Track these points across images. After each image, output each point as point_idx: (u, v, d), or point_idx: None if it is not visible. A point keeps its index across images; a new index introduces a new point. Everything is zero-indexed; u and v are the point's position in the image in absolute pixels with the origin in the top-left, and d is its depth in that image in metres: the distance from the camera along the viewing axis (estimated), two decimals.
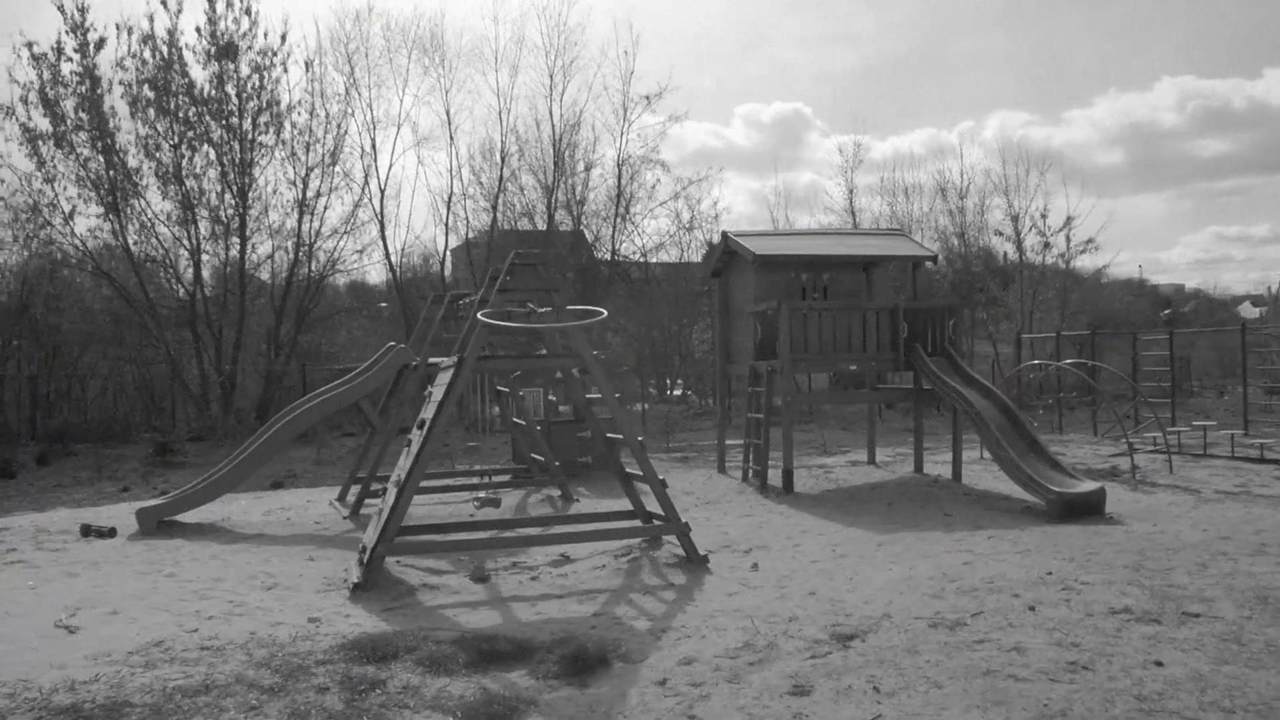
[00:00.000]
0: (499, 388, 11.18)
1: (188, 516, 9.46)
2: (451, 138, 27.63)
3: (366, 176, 26.13)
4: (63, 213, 22.16)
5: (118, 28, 22.10)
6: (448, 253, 29.48)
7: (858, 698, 4.30)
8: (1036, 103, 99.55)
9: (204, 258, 23.56)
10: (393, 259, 27.80)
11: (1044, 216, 28.96)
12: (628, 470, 7.69)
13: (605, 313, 6.92)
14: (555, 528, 8.04)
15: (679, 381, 28.16)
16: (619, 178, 27.92)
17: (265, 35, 23.55)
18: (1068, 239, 29.02)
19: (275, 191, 24.16)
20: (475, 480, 11.49)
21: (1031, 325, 27.60)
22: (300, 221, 24.36)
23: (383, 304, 30.04)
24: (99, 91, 21.79)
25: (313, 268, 25.29)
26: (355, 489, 10.26)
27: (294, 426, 9.76)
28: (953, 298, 12.46)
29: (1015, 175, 30.03)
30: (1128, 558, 6.91)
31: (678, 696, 4.39)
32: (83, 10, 21.71)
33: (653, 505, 7.49)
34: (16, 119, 21.36)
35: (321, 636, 5.31)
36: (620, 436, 7.53)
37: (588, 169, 27.89)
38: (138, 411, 24.51)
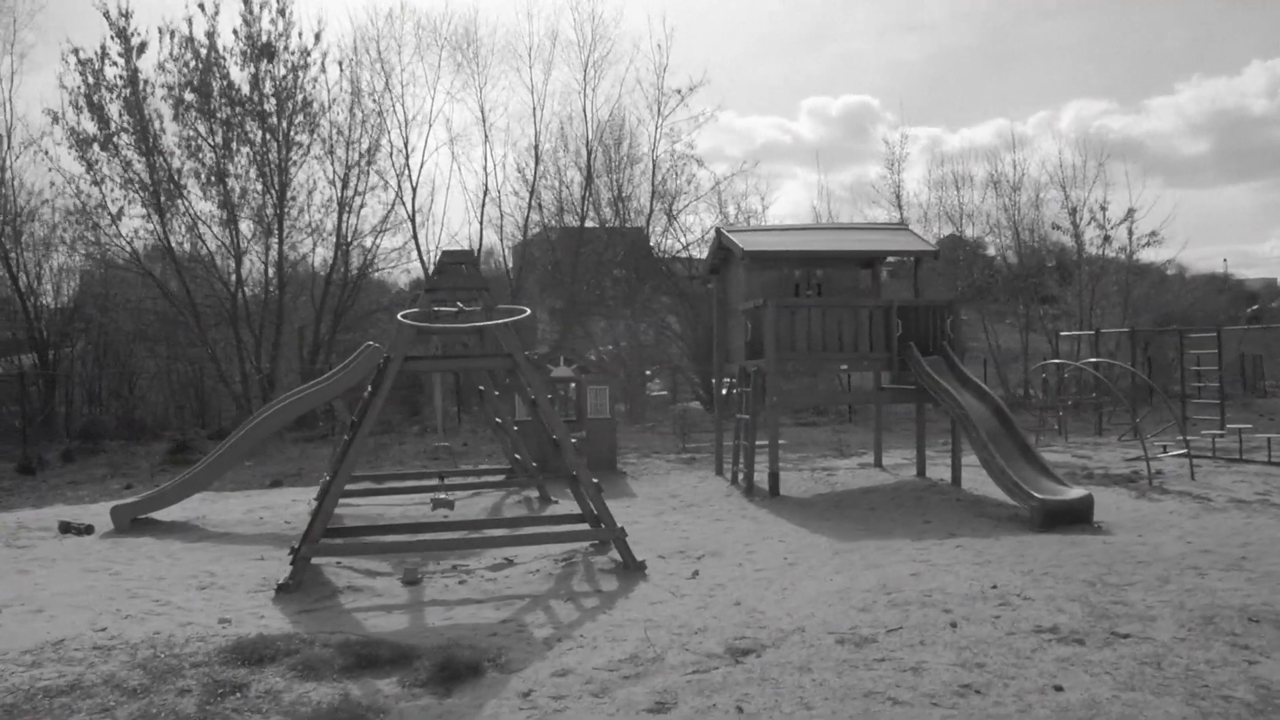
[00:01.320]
0: (480, 388, 11.18)
1: (165, 514, 9.69)
2: (486, 135, 27.71)
3: (400, 175, 26.42)
4: (110, 214, 23.05)
5: (160, 31, 22.76)
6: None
7: (717, 717, 4.13)
8: (1115, 91, 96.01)
9: (244, 257, 24.37)
10: (424, 257, 28.03)
11: (1104, 209, 27.80)
12: (577, 475, 7.54)
13: (529, 311, 6.83)
14: (499, 531, 7.97)
15: (726, 380, 27.92)
16: (653, 173, 27.76)
17: (300, 35, 24.10)
18: (1130, 232, 27.82)
19: (314, 190, 24.77)
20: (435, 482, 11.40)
21: (1091, 322, 26.54)
22: (340, 220, 24.90)
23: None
24: (142, 95, 22.57)
25: (350, 266, 25.83)
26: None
27: (265, 427, 9.92)
28: (951, 294, 11.99)
29: (1074, 166, 28.93)
30: (1090, 571, 6.54)
31: (534, 710, 4.28)
32: (126, 15, 22.54)
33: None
34: (66, 123, 22.25)
35: (217, 638, 5.34)
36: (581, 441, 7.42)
37: (630, 164, 27.71)
38: (187, 409, 25.39)
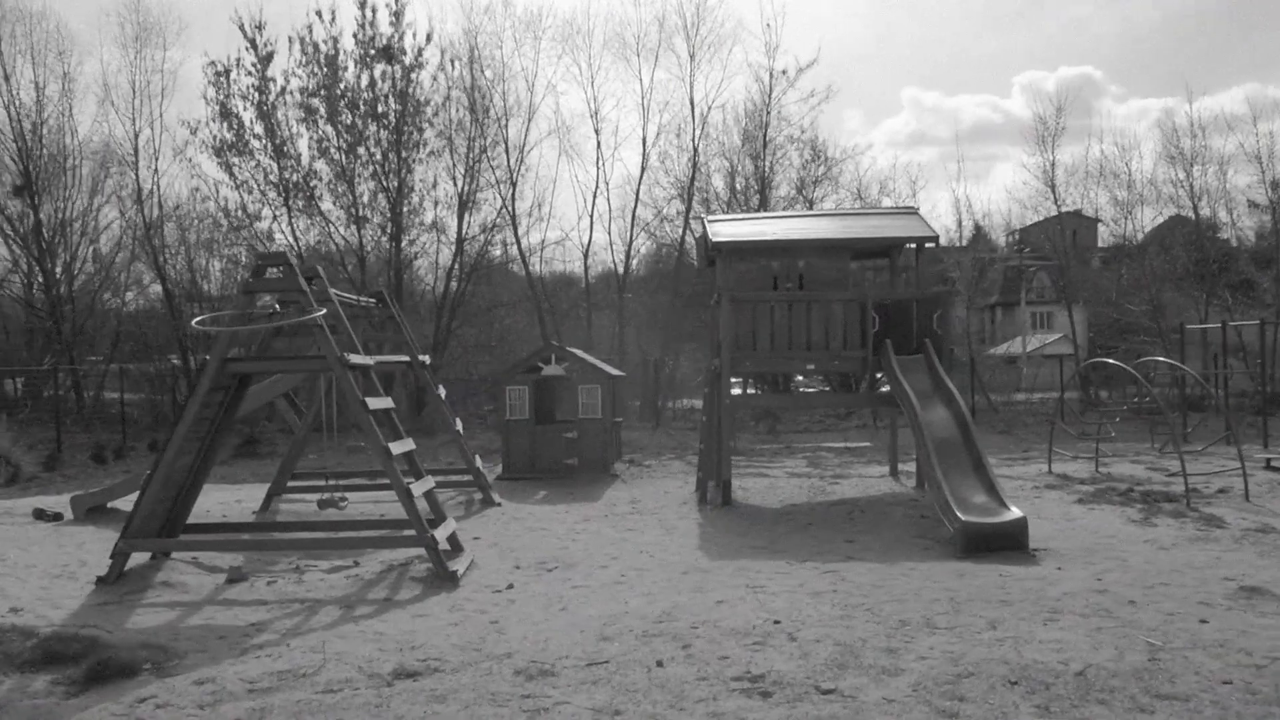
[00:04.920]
0: (440, 387, 11.37)
1: (124, 504, 10.54)
2: (597, 130, 27.99)
3: (514, 171, 27.08)
4: (249, 216, 25.31)
5: (290, 40, 24.60)
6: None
7: None
8: None
9: (368, 255, 25.97)
10: (525, 254, 28.65)
11: None
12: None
13: (323, 312, 6.81)
14: (326, 534, 8.03)
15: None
16: (760, 163, 27.06)
17: (414, 35, 25.38)
18: None
19: (433, 188, 26.02)
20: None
21: None
22: (460, 218, 26.08)
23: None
24: (272, 104, 24.56)
25: (464, 263, 26.99)
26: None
27: None
28: (939, 287, 10.83)
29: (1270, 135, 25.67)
30: (924, 609, 5.78)
31: (131, 719, 4.31)
32: (259, 27, 24.63)
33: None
34: (210, 130, 24.59)
35: None
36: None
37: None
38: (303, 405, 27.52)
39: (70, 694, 4.63)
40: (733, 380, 14.36)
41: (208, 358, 6.85)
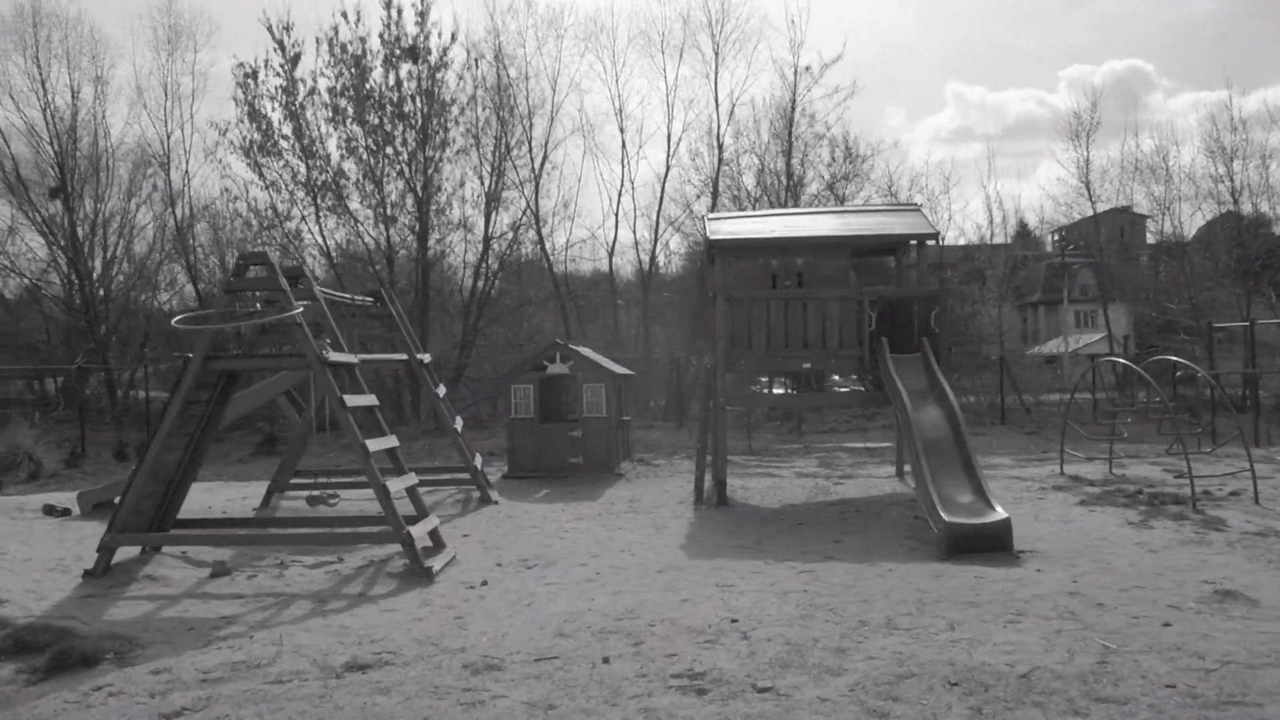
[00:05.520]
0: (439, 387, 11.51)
1: None
2: (622, 128, 28.09)
3: (539, 169, 27.25)
4: (278, 216, 25.79)
5: (317, 41, 24.99)
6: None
7: None
8: None
9: (397, 254, 26.32)
10: (550, 252, 28.78)
11: None
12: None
13: (299, 310, 6.95)
14: (320, 529, 8.18)
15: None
16: (789, 159, 26.96)
17: (440, 35, 25.62)
18: None
19: (460, 186, 26.33)
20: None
21: None
22: (487, 216, 26.37)
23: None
24: (300, 104, 24.99)
25: (490, 261, 27.25)
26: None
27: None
28: (936, 286, 10.71)
29: None
30: (902, 609, 5.79)
31: (81, 706, 4.45)
32: (288, 28, 25.10)
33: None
34: (240, 131, 25.07)
35: None
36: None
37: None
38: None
39: (31, 682, 4.80)
40: (763, 380, 14.35)
41: (189, 356, 7.04)
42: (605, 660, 4.88)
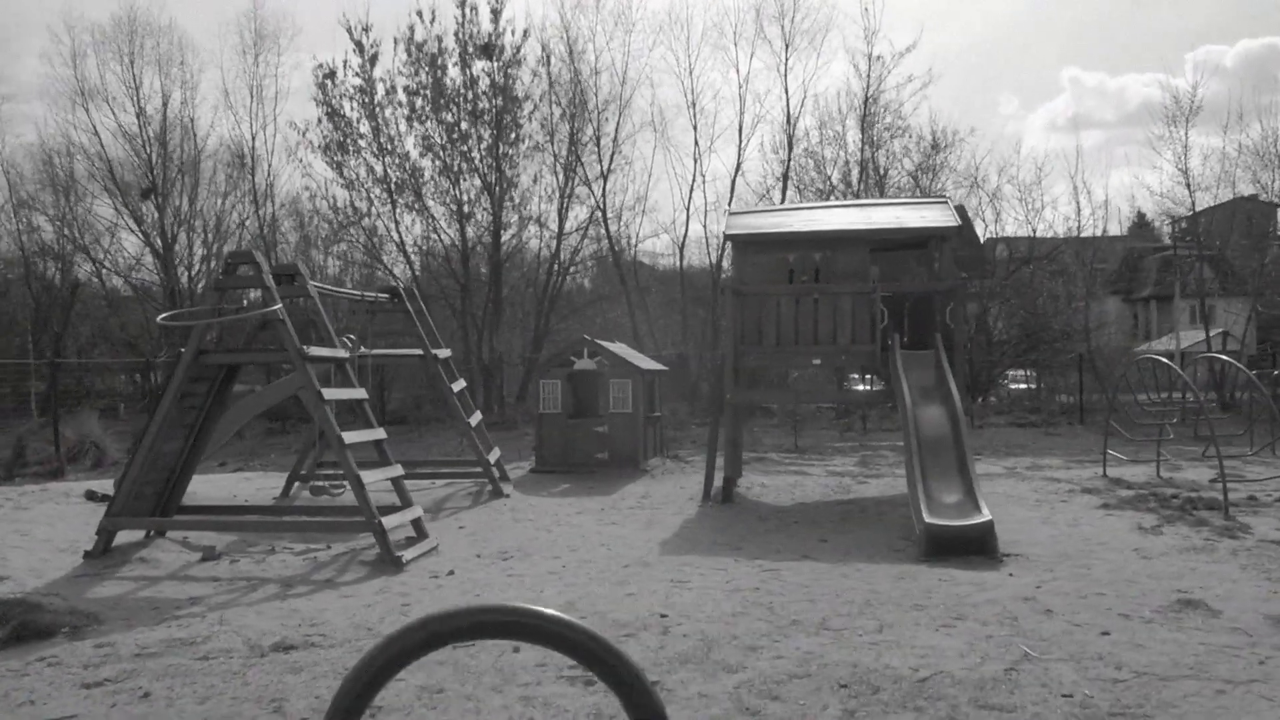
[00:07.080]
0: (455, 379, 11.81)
1: None
2: (694, 124, 28.04)
3: (608, 164, 27.51)
4: (357, 213, 26.80)
5: (395, 41, 25.67)
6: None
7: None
8: None
9: (472, 249, 27.01)
10: (621, 248, 28.86)
11: None
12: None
13: (279, 305, 7.26)
14: (300, 518, 8.54)
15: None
16: (864, 150, 26.48)
17: (512, 32, 26.16)
18: None
19: (535, 183, 26.82)
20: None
21: None
22: (560, 212, 26.83)
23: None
24: (379, 103, 25.80)
25: (561, 257, 27.69)
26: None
27: (231, 420, 11.34)
28: (954, 280, 10.33)
29: None
30: (843, 609, 5.79)
31: (19, 673, 4.85)
32: (366, 29, 26.04)
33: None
34: (321, 131, 26.16)
35: None
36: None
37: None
38: (427, 397, 28.58)
39: None
40: (854, 375, 14.15)
41: (182, 350, 7.50)
42: (515, 650, 5.01)
